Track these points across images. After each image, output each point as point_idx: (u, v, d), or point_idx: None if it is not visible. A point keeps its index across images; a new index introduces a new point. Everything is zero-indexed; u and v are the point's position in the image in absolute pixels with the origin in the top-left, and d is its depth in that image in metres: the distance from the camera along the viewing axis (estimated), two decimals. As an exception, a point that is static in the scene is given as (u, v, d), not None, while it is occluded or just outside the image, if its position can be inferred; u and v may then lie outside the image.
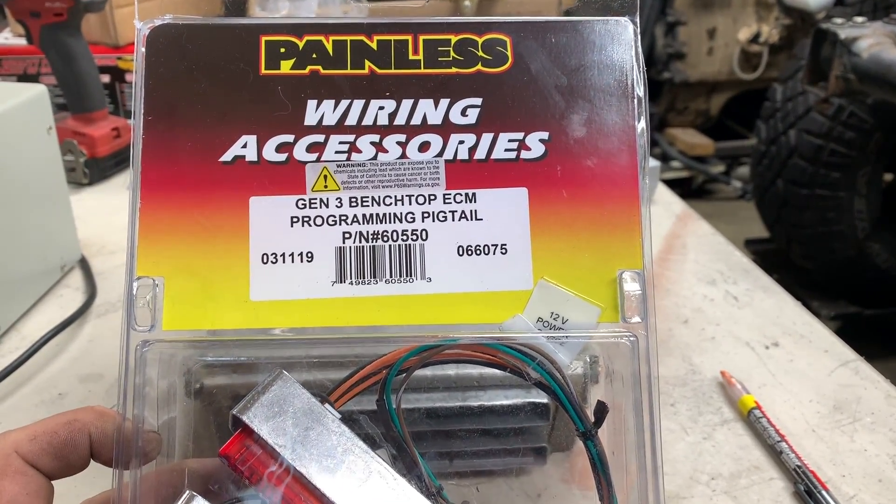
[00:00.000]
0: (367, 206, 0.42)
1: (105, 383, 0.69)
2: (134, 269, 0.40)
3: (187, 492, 0.37)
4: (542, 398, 0.57)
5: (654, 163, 1.01)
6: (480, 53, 0.44)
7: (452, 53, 0.44)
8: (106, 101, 1.02)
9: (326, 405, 0.40)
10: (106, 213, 0.96)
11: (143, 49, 0.43)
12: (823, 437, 0.65)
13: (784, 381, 0.71)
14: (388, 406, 0.41)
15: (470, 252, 0.42)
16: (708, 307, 0.82)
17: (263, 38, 0.43)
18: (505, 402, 0.56)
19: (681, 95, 2.97)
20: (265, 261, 0.41)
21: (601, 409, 0.43)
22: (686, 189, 2.90)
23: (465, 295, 0.42)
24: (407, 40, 0.44)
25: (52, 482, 0.38)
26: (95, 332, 0.75)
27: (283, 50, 0.43)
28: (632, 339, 0.42)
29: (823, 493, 0.58)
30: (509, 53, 0.44)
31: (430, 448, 0.57)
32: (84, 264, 0.84)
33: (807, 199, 1.98)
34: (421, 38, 0.44)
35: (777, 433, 0.63)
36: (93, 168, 1.00)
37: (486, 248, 0.42)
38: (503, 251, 0.42)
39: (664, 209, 1.02)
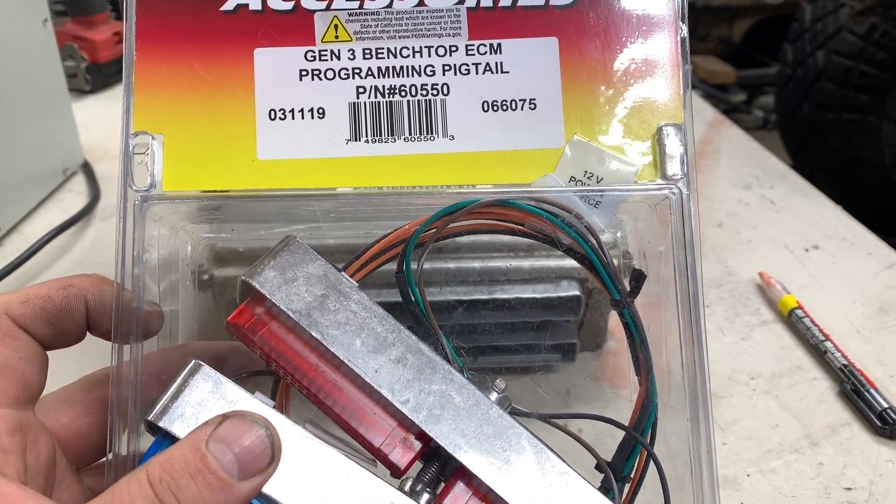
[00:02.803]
0: (383, 58, 0.38)
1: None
2: (130, 125, 0.37)
3: (193, 361, 0.33)
4: (573, 291, 0.53)
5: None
6: None
7: None
8: (107, 4, 0.97)
9: (342, 273, 0.37)
10: (110, 119, 0.91)
11: None
12: (869, 338, 0.61)
13: (826, 284, 0.67)
14: (408, 276, 0.38)
15: (496, 107, 0.38)
16: (743, 211, 0.77)
17: None
18: (534, 296, 0.53)
19: (702, 21, 2.86)
20: (273, 117, 0.37)
21: (638, 277, 0.39)
22: (707, 119, 2.82)
23: (491, 154, 0.38)
24: None
25: (48, 353, 0.35)
26: (99, 235, 0.72)
27: None
28: (674, 192, 0.38)
29: (872, 391, 0.54)
30: None
31: (455, 343, 0.54)
32: (87, 169, 0.80)
33: (833, 124, 1.90)
34: None
35: (821, 332, 0.59)
36: (95, 74, 0.95)
37: (514, 102, 0.38)
38: (532, 106, 0.38)
39: (695, 115, 0.97)
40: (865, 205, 1.97)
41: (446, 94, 0.38)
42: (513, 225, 0.39)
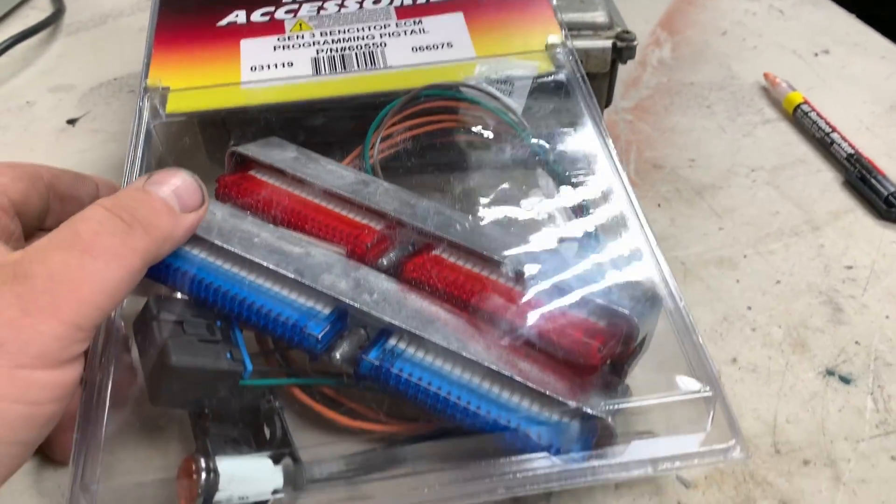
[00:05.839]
0: (335, 35, 0.49)
1: (77, 93, 0.62)
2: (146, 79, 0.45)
3: None
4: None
5: None
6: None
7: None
8: None
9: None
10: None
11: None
12: (879, 133, 0.58)
13: (835, 86, 0.63)
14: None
15: (422, 49, 0.47)
16: (749, 20, 0.72)
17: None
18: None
19: None
20: (253, 69, 0.46)
21: None
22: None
23: (423, 70, 0.46)
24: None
25: None
26: (66, 48, 0.68)
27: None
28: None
29: (879, 177, 0.51)
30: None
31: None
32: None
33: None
34: None
35: (827, 124, 0.56)
36: None
37: (435, 45, 0.47)
38: (449, 46, 0.47)
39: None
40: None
41: (384, 47, 0.48)
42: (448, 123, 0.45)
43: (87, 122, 0.59)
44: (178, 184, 0.33)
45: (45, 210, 0.37)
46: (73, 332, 0.28)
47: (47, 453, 0.36)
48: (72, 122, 0.59)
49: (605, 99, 0.55)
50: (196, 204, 0.33)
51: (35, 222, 0.37)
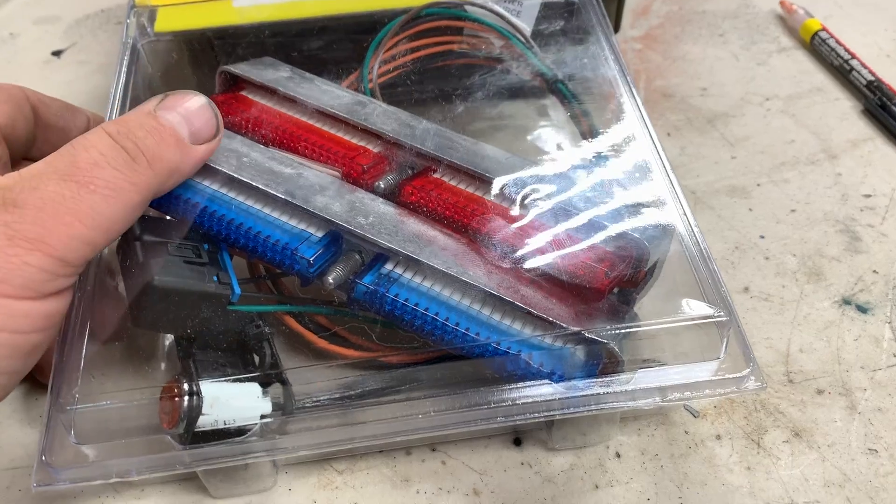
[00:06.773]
0: None
1: (62, 24, 0.60)
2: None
3: None
4: None
5: None
6: None
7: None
8: None
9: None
10: None
11: None
12: (900, 61, 0.55)
13: (854, 13, 0.60)
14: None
15: None
16: (765, -52, 0.69)
17: None
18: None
19: None
20: None
21: None
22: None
23: None
24: None
25: None
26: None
27: None
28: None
29: (900, 103, 0.49)
30: None
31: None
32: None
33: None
34: None
35: (846, 51, 0.53)
36: None
37: None
38: None
39: None
40: None
41: None
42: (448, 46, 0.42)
43: (73, 54, 0.57)
44: (191, 109, 0.30)
45: (31, 137, 0.35)
46: (60, 266, 0.26)
47: (36, 377, 0.35)
48: (57, 53, 0.57)
49: (612, 25, 0.52)
50: (209, 134, 0.30)
51: (21, 149, 0.35)
